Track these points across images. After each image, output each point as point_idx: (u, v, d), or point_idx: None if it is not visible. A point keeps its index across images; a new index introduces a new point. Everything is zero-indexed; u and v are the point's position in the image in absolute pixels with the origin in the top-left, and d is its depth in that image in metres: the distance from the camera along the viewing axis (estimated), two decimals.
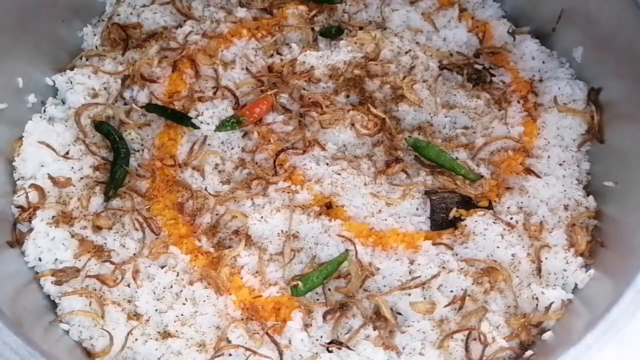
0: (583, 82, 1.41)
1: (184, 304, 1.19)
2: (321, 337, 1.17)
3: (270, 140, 1.36)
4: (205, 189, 1.33)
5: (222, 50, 1.48)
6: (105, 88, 1.44)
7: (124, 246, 1.26)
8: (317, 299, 1.21)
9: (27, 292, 1.21)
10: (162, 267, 1.24)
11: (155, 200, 1.31)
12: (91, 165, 1.35)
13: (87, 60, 1.50)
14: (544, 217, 1.28)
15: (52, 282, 1.22)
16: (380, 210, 1.29)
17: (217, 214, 1.29)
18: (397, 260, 1.23)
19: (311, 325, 1.18)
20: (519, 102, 1.42)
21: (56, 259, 1.24)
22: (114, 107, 1.41)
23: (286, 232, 1.25)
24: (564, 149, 1.36)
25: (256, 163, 1.35)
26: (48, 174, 1.31)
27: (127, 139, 1.38)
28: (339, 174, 1.32)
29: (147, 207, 1.31)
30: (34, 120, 1.39)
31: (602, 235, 1.26)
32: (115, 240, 1.26)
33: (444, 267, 1.22)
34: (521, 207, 1.30)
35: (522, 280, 1.22)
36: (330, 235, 1.25)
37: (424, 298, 1.20)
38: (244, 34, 1.50)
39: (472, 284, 1.21)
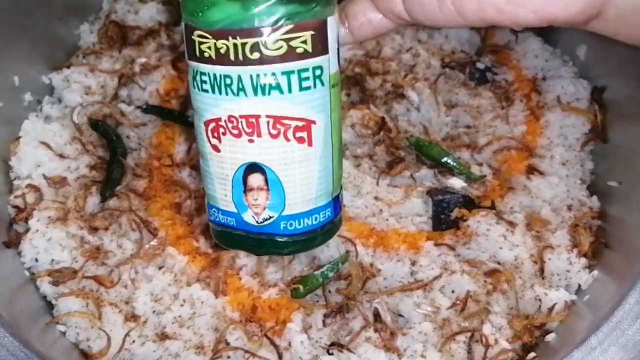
0: (586, 80, 1.41)
1: (181, 305, 1.18)
2: (321, 339, 1.15)
3: None
4: (204, 189, 1.32)
5: None
6: (102, 86, 1.44)
7: (120, 247, 1.25)
8: (317, 301, 1.20)
9: (24, 293, 1.20)
10: (160, 268, 1.22)
11: (153, 200, 1.30)
12: (87, 164, 1.34)
13: (83, 58, 1.49)
14: (547, 217, 1.27)
15: (48, 283, 1.21)
16: (381, 210, 1.27)
17: None
18: (399, 261, 1.22)
19: (311, 327, 1.17)
20: (521, 100, 1.41)
21: (53, 260, 1.23)
22: (110, 106, 1.40)
23: None
24: (567, 149, 1.35)
25: None
26: (43, 174, 1.29)
27: (123, 137, 1.37)
28: None
29: (144, 207, 1.29)
30: (30, 119, 1.38)
31: (606, 235, 1.25)
32: (112, 240, 1.25)
33: (446, 268, 1.20)
34: (524, 208, 1.29)
35: (525, 281, 1.21)
36: None
37: (426, 299, 1.18)
38: None
39: (475, 285, 1.19)
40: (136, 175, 1.33)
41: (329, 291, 1.20)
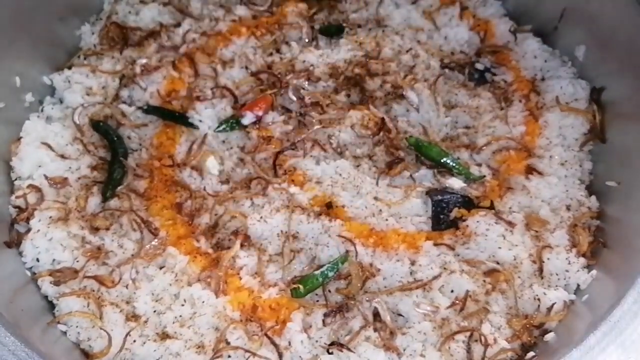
0: (585, 81, 1.41)
1: (182, 305, 1.18)
2: (321, 338, 1.16)
3: (270, 140, 1.35)
4: (204, 189, 1.32)
5: (221, 49, 1.48)
6: (103, 87, 1.44)
7: (121, 247, 1.25)
8: (317, 300, 1.20)
9: (25, 293, 1.20)
10: (161, 268, 1.23)
11: (154, 201, 1.30)
12: (89, 165, 1.34)
13: (85, 59, 1.49)
14: (546, 217, 1.27)
15: (50, 283, 1.21)
16: (380, 211, 1.28)
17: (216, 214, 1.28)
18: (398, 261, 1.22)
19: (311, 326, 1.17)
20: (520, 101, 1.41)
21: (54, 260, 1.23)
22: (111, 107, 1.40)
23: (286, 232, 1.24)
24: (566, 149, 1.36)
25: (256, 163, 1.34)
26: (44, 174, 1.30)
27: (124, 138, 1.37)
28: (340, 174, 1.31)
29: (145, 207, 1.30)
30: (31, 119, 1.38)
31: (605, 235, 1.25)
32: (113, 240, 1.25)
33: (445, 268, 1.21)
34: (523, 207, 1.29)
35: (524, 281, 1.21)
36: (331, 235, 1.24)
37: (425, 299, 1.19)
38: (243, 32, 1.49)
39: (474, 284, 1.20)
40: (137, 176, 1.33)
41: (329, 291, 1.20)
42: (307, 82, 1.42)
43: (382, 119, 1.36)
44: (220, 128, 1.37)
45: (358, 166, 1.33)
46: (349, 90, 1.42)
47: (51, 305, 1.22)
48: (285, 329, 1.16)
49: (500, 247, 1.22)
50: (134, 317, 1.19)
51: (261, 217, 1.25)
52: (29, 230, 1.25)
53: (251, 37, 1.49)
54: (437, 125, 1.39)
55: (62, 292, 1.20)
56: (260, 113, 1.37)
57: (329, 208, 1.27)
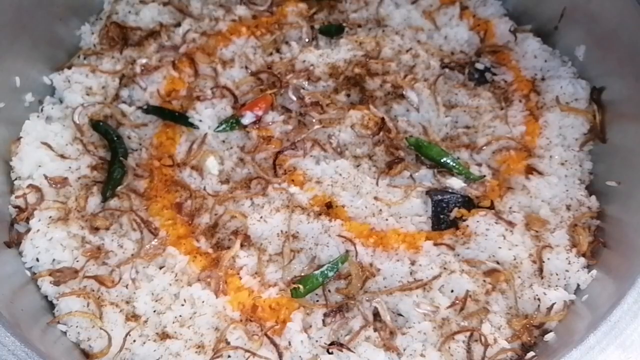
0: (585, 81, 1.41)
1: (182, 305, 1.18)
2: (321, 338, 1.16)
3: (270, 140, 1.35)
4: (204, 189, 1.32)
5: (221, 49, 1.48)
6: (103, 87, 1.44)
7: (121, 247, 1.25)
8: (317, 300, 1.20)
9: (25, 292, 1.21)
10: (161, 268, 1.23)
11: (154, 201, 1.30)
12: (89, 165, 1.34)
13: (85, 59, 1.49)
14: (546, 217, 1.27)
15: (50, 283, 1.21)
16: (380, 210, 1.28)
17: (216, 214, 1.28)
18: (398, 260, 1.22)
19: (311, 326, 1.17)
20: (520, 101, 1.42)
21: (54, 260, 1.23)
22: (111, 106, 1.40)
23: (286, 232, 1.24)
24: (566, 149, 1.36)
25: (256, 163, 1.34)
26: (44, 174, 1.30)
27: (124, 138, 1.37)
28: (340, 174, 1.31)
29: (145, 207, 1.30)
30: (31, 119, 1.38)
31: (605, 235, 1.25)
32: (113, 240, 1.25)
33: (445, 268, 1.21)
34: (523, 207, 1.29)
35: (524, 281, 1.21)
36: (331, 235, 1.24)
37: (425, 299, 1.19)
38: (243, 32, 1.49)
39: (474, 284, 1.20)
40: (137, 176, 1.33)
41: (329, 291, 1.20)
42: (307, 82, 1.42)
43: (382, 118, 1.36)
44: (220, 128, 1.37)
45: (358, 166, 1.33)
46: (349, 90, 1.42)
47: (51, 305, 1.22)
48: (285, 329, 1.15)
49: (500, 247, 1.22)
50: (134, 317, 1.19)
51: (261, 217, 1.25)
52: (28, 230, 1.25)
53: (251, 37, 1.50)
54: (437, 125, 1.39)
55: (62, 292, 1.20)
56: (260, 113, 1.37)
57: (329, 208, 1.27)
